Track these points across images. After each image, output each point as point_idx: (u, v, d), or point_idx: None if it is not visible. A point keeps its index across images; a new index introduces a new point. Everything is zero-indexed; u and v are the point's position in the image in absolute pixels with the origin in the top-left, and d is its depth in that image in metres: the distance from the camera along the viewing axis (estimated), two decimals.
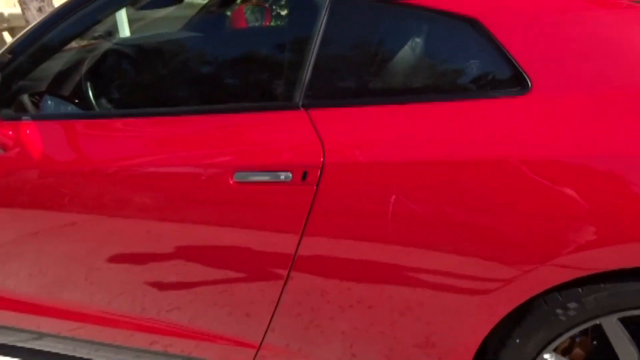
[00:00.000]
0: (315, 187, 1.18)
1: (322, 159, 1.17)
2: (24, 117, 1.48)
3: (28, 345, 1.76)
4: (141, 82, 1.95)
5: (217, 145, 1.28)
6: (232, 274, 1.33)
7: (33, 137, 1.44)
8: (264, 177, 1.22)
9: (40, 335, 1.67)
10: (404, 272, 1.16)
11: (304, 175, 1.19)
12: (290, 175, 1.20)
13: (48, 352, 1.72)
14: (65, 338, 1.64)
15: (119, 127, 1.42)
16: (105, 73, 1.81)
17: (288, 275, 1.26)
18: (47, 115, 1.52)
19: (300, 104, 1.22)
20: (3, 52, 1.52)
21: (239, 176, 1.24)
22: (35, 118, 1.48)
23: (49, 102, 1.57)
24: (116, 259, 1.43)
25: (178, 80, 1.91)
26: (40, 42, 1.47)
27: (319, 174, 1.17)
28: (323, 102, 1.22)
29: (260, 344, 1.40)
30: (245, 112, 1.30)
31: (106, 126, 1.44)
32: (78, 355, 1.70)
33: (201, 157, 1.29)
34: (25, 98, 1.53)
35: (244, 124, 1.28)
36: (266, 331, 1.37)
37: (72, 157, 1.43)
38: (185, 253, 1.36)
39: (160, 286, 1.43)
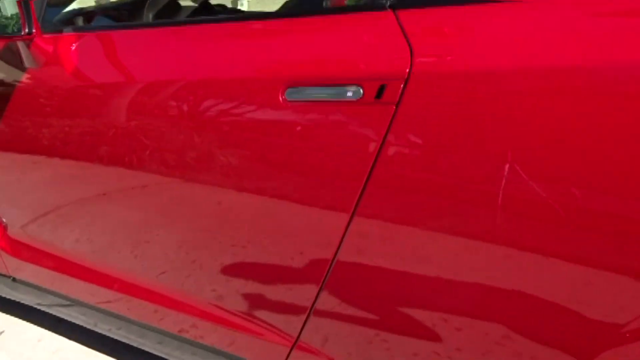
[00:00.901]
0: (394, 106, 0.80)
1: (408, 67, 0.79)
2: (65, 30, 1.27)
3: (53, 311, 1.53)
4: None
5: (264, 56, 0.95)
6: (275, 233, 0.98)
7: (73, 49, 1.22)
8: (323, 94, 0.86)
9: (70, 302, 1.43)
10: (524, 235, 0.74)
11: (380, 90, 0.81)
12: (361, 90, 0.82)
13: (67, 324, 1.51)
14: (92, 309, 1.40)
15: (164, 36, 1.14)
16: None
17: (342, 241, 0.88)
18: (93, 27, 1.29)
19: (388, 3, 0.85)
20: None
21: (291, 93, 0.89)
22: (79, 30, 1.26)
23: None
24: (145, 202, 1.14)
25: None
26: None
27: (401, 87, 0.79)
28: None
29: (298, 336, 1.01)
30: (303, 16, 0.95)
31: (154, 36, 1.16)
32: (98, 330, 1.43)
33: (245, 70, 0.96)
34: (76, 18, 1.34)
35: (301, 28, 0.94)
36: (306, 320, 0.99)
37: (115, 70, 1.18)
38: (221, 200, 1.02)
39: (198, 249, 1.12)
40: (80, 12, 1.50)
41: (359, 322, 0.96)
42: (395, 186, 0.82)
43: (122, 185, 1.19)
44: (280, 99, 0.90)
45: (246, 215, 1.01)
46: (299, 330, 1.04)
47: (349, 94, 0.84)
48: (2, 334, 1.62)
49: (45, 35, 1.27)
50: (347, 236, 0.89)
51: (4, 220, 1.51)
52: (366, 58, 0.84)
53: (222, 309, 1.15)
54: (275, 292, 1.04)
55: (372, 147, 0.82)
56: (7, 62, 1.34)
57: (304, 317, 1.02)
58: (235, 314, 1.14)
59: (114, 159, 1.16)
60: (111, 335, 1.41)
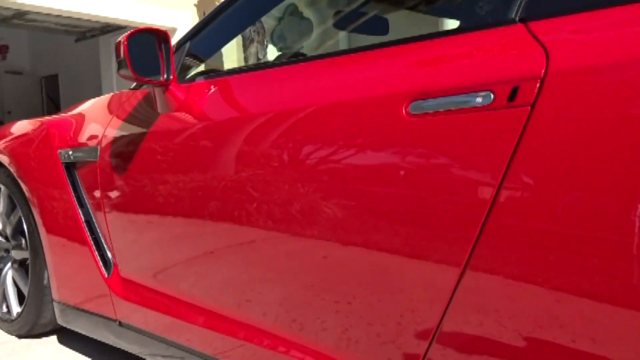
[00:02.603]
0: (529, 107, 0.76)
1: (544, 67, 0.76)
2: (197, 78, 1.39)
3: None
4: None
5: (386, 73, 0.97)
6: (401, 247, 0.93)
7: (201, 96, 1.33)
8: (450, 103, 0.85)
9: (178, 351, 1.40)
10: None
11: (513, 93, 0.78)
12: (492, 95, 0.80)
13: None
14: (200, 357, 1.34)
15: (289, 74, 1.20)
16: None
17: (472, 250, 0.81)
18: (224, 72, 1.39)
19: (517, 17, 0.85)
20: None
21: (416, 106, 0.88)
22: (208, 78, 1.37)
23: None
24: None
25: None
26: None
27: (537, 87, 0.76)
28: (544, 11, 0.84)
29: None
30: (425, 39, 0.98)
31: (279, 75, 1.23)
32: None
33: (366, 90, 0.98)
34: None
35: (427, 47, 0.96)
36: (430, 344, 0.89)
37: (246, 108, 1.25)
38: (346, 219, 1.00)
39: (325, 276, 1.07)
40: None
41: None
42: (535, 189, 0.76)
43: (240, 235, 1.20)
44: (404, 112, 0.90)
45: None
46: None
47: (479, 99, 0.82)
48: None
49: (180, 85, 1.39)
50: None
51: (118, 259, 1.56)
52: (497, 64, 0.83)
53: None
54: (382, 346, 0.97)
55: (505, 151, 0.78)
56: (146, 107, 1.48)
57: None
58: None
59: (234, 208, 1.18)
60: None
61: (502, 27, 0.87)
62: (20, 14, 7.85)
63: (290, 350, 1.14)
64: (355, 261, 0.99)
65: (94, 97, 1.93)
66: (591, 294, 0.72)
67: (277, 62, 1.36)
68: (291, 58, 1.53)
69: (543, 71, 0.77)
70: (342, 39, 5.82)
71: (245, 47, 6.38)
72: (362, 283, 0.99)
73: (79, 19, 7.67)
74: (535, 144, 0.76)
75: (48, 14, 7.07)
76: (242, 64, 6.54)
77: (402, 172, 0.90)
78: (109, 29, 8.72)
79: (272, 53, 6.96)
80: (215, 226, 1.26)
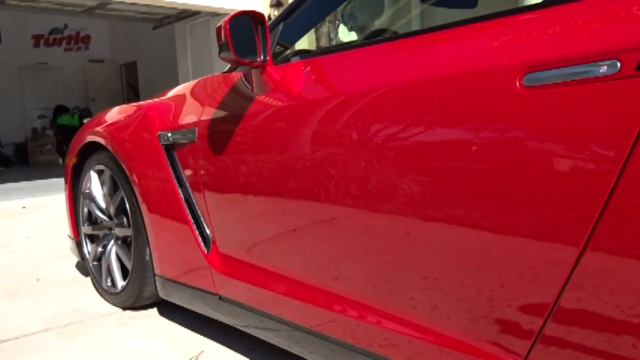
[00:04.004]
0: None
1: None
2: (292, 59, 1.41)
3: (251, 332, 1.58)
4: None
5: (496, 45, 0.94)
6: (509, 232, 0.91)
7: (297, 75, 1.35)
8: (569, 74, 0.81)
9: (273, 322, 1.45)
10: None
11: None
12: (618, 63, 0.77)
13: (262, 348, 1.53)
14: (293, 328, 1.40)
15: (386, 51, 1.20)
16: None
17: (589, 236, 0.78)
18: (317, 52, 1.40)
19: None
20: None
21: (530, 78, 0.86)
22: (304, 57, 1.38)
23: None
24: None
25: None
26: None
27: None
28: None
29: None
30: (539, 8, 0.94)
31: (376, 53, 1.23)
32: (293, 351, 1.43)
33: (475, 63, 0.95)
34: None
35: (541, 15, 0.92)
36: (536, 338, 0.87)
37: (342, 87, 1.26)
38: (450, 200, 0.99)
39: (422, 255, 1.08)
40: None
41: None
42: None
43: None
44: (517, 85, 0.87)
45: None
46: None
47: (603, 69, 0.78)
48: (202, 354, 1.70)
49: (276, 66, 1.42)
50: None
51: (216, 236, 1.63)
52: (624, 29, 0.79)
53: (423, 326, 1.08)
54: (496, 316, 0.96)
55: (633, 124, 0.75)
56: (241, 89, 1.52)
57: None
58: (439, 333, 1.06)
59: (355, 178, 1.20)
60: (305, 357, 1.40)
61: None
62: (103, 4, 8.23)
63: (381, 322, 1.15)
64: (457, 239, 0.99)
65: (170, 82, 2.00)
66: None
67: (370, 41, 1.36)
68: (382, 36, 1.51)
69: None
70: (415, 17, 5.70)
71: (317, 27, 6.39)
72: (457, 260, 0.98)
73: (157, 7, 7.95)
74: None
75: (128, 3, 7.36)
76: (314, 44, 6.56)
77: (516, 149, 0.88)
78: (183, 15, 8.98)
79: (342, 32, 6.92)
80: (307, 204, 1.29)
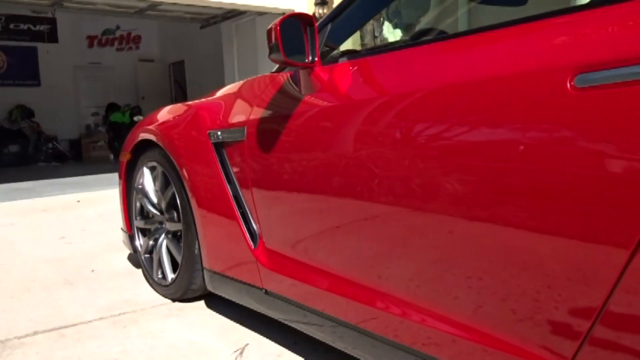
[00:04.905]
0: None
1: None
2: (340, 59, 1.44)
3: (295, 326, 1.62)
4: None
5: (546, 45, 0.94)
6: (555, 235, 0.91)
7: (344, 76, 1.37)
8: (622, 74, 0.81)
9: (317, 317, 1.49)
10: None
11: None
12: None
13: (305, 342, 1.57)
14: (337, 324, 1.42)
15: (433, 52, 1.21)
16: None
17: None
18: (364, 53, 1.42)
19: None
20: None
21: (582, 79, 0.85)
22: (351, 58, 1.41)
23: None
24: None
25: None
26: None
27: None
28: None
29: None
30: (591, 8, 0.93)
31: (422, 53, 1.24)
32: (336, 346, 1.46)
33: (522, 62, 0.96)
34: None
35: (594, 15, 0.91)
36: (583, 341, 0.87)
37: (388, 88, 1.28)
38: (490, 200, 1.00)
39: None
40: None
41: None
42: None
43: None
44: (569, 86, 0.87)
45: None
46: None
47: None
48: (247, 346, 1.75)
49: (324, 66, 1.44)
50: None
51: (263, 231, 1.67)
52: None
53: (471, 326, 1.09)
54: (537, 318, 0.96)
55: None
56: (289, 89, 1.55)
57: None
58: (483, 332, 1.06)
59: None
60: (347, 352, 1.43)
61: None
62: (154, 5, 8.48)
63: (425, 320, 1.16)
64: (502, 239, 0.99)
65: (217, 80, 2.05)
66: None
67: (418, 41, 1.37)
68: (430, 36, 1.51)
69: None
70: (462, 15, 5.63)
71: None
72: (503, 260, 0.99)
73: (204, 7, 8.13)
74: None
75: (178, 4, 7.56)
76: (358, 42, 6.56)
77: (567, 151, 0.88)
78: (229, 15, 9.15)
79: (387, 30, 6.90)
80: (352, 202, 1.31)
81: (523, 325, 0.99)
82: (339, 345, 1.46)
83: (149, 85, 13.29)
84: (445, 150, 1.08)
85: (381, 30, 6.60)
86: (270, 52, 1.38)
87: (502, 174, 0.98)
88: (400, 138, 1.17)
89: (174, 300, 2.19)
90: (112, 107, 12.02)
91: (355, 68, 1.37)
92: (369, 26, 6.43)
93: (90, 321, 2.01)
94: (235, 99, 1.87)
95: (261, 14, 7.88)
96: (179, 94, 12.99)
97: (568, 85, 0.87)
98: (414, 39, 1.59)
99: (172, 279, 2.17)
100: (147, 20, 11.37)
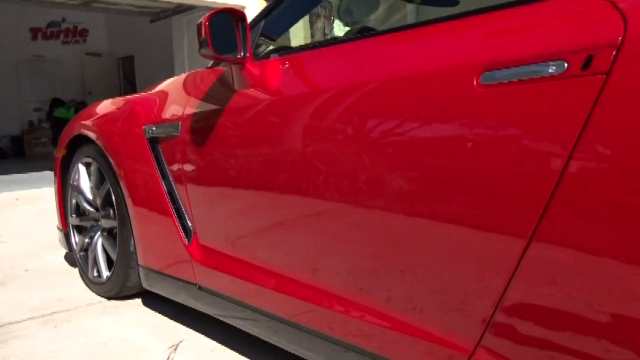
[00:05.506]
0: (604, 76, 0.76)
1: (621, 35, 0.76)
2: (271, 55, 1.45)
3: (230, 321, 1.62)
4: None
5: (457, 45, 0.98)
6: (463, 224, 0.95)
7: (276, 72, 1.38)
8: (521, 73, 0.85)
9: (250, 312, 1.49)
10: None
11: (587, 62, 0.78)
12: (565, 64, 0.81)
13: (240, 337, 1.57)
14: (271, 318, 1.44)
15: (359, 49, 1.23)
16: None
17: (537, 226, 0.82)
18: (296, 49, 1.44)
19: None
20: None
21: (487, 77, 0.90)
22: (283, 54, 1.42)
23: None
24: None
25: None
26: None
27: (613, 55, 0.76)
28: None
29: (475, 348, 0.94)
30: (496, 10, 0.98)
31: (350, 50, 1.26)
32: (270, 341, 1.47)
33: (435, 61, 0.99)
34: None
35: (499, 17, 0.96)
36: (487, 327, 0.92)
37: (317, 84, 1.29)
38: (406, 190, 1.03)
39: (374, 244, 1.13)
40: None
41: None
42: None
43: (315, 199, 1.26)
44: (475, 83, 0.91)
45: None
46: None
47: (552, 69, 0.82)
48: (182, 342, 1.74)
49: (256, 62, 1.45)
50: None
51: (197, 227, 1.66)
52: (571, 32, 0.83)
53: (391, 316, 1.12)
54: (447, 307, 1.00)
55: (578, 121, 0.78)
56: (223, 85, 1.55)
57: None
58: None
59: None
60: (281, 347, 1.44)
61: None
62: None
63: (359, 314, 1.19)
64: (420, 232, 1.03)
65: (167, 76, 2.03)
66: None
67: (347, 38, 1.39)
68: (360, 33, 1.54)
69: (620, 38, 0.76)
70: (410, 12, 5.72)
71: (312, 22, 6.41)
72: (427, 253, 1.02)
73: (152, 0, 7.96)
74: (609, 114, 0.76)
75: None
76: (309, 39, 6.58)
77: (472, 144, 0.92)
78: (180, 9, 8.98)
79: (338, 28, 6.94)
80: (286, 198, 1.33)
81: (441, 316, 1.02)
82: (273, 340, 1.48)
83: (96, 80, 12.89)
84: (365, 146, 1.10)
85: (332, 29, 6.63)
86: (200, 47, 1.37)
87: (413, 168, 1.01)
88: (326, 134, 1.19)
89: (109, 298, 2.15)
90: (56, 103, 11.61)
91: (286, 64, 1.38)
92: (319, 24, 6.45)
93: (20, 321, 1.95)
94: (171, 94, 1.85)
95: (211, 9, 7.78)
96: (129, 90, 12.66)
97: (475, 82, 0.91)
98: (343, 37, 1.61)
99: (107, 276, 2.13)
100: (94, 13, 11.02)
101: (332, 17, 6.66)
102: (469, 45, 0.97)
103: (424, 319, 1.06)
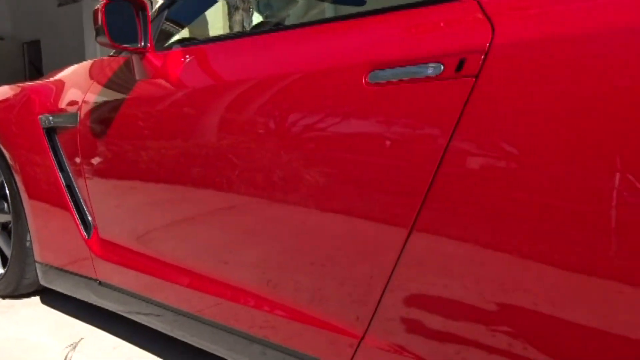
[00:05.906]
0: (473, 78, 0.83)
1: (488, 41, 0.82)
2: (174, 46, 1.43)
3: (132, 317, 1.59)
4: None
5: (348, 44, 1.02)
6: (353, 208, 0.99)
7: (176, 63, 1.37)
8: (404, 73, 0.90)
9: (152, 306, 1.47)
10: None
11: (460, 65, 0.84)
12: (441, 66, 0.86)
13: (142, 334, 1.55)
14: (173, 312, 1.43)
15: (260, 44, 1.25)
16: None
17: (419, 212, 0.88)
18: (200, 41, 1.43)
19: None
20: None
21: (374, 76, 0.94)
22: (185, 46, 1.41)
23: None
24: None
25: None
26: None
27: (481, 59, 0.82)
28: None
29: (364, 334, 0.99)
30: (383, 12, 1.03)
31: (251, 44, 1.27)
32: (174, 335, 1.46)
33: (329, 59, 1.03)
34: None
35: (383, 20, 1.01)
36: (375, 310, 0.97)
37: (218, 76, 1.29)
38: (300, 181, 1.06)
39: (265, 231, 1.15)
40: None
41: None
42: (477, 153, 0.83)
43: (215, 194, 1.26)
44: (364, 81, 0.95)
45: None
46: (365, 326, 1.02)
47: (430, 70, 0.88)
48: (82, 341, 1.69)
49: (157, 52, 1.43)
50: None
51: (97, 221, 1.62)
52: (447, 36, 0.89)
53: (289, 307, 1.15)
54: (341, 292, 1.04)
55: (451, 120, 0.85)
56: (125, 74, 1.51)
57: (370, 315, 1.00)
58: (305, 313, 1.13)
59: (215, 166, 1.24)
60: (185, 340, 1.44)
61: (455, 2, 0.92)
62: None
63: (265, 307, 1.21)
64: (316, 225, 1.06)
65: (78, 62, 1.95)
66: (550, 259, 0.80)
67: (250, 32, 1.40)
68: (264, 28, 1.56)
69: (488, 44, 0.83)
70: (328, 8, 5.79)
71: (231, 15, 6.33)
72: (322, 246, 1.06)
73: None
74: (477, 114, 0.82)
75: None
76: (228, 32, 6.49)
77: (361, 140, 0.96)
78: None
79: (257, 21, 6.90)
80: (188, 190, 1.32)
81: (339, 305, 1.06)
82: (177, 334, 1.46)
83: None
84: (259, 142, 1.13)
85: (250, 22, 6.58)
86: (97, 35, 1.33)
87: (311, 164, 1.04)
88: (223, 127, 1.20)
89: (4, 297, 2.04)
90: None
91: (187, 55, 1.37)
92: (237, 16, 6.38)
93: None
94: (69, 82, 1.78)
95: None
96: (35, 76, 11.89)
97: (363, 81, 0.96)
98: (246, 31, 1.62)
99: (1, 274, 2.01)
100: None
101: (250, 10, 6.60)
102: (360, 45, 1.01)
103: (324, 309, 1.09)
